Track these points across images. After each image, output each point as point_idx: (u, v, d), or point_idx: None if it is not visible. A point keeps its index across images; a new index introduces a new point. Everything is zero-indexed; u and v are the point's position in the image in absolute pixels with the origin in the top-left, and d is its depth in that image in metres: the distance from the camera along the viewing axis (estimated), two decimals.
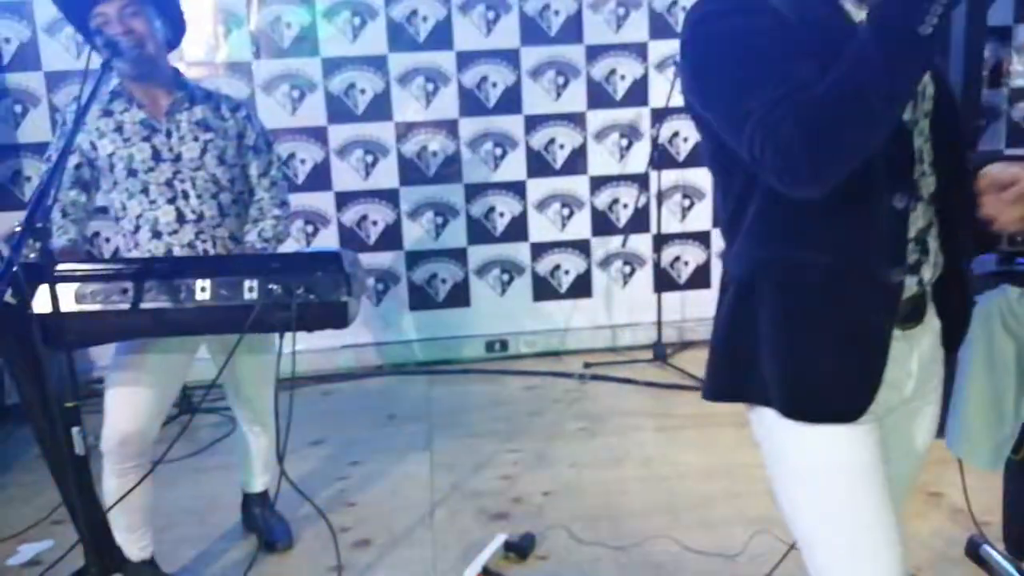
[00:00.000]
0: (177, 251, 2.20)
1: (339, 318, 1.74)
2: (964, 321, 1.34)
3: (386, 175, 4.20)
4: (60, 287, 1.64)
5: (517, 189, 4.29)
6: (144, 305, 1.68)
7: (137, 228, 2.22)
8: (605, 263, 4.39)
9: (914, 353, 1.26)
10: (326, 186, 4.17)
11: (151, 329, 1.76)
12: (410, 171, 4.21)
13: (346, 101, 4.11)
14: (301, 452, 3.28)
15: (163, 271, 1.70)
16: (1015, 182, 1.16)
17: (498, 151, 4.24)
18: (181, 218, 2.20)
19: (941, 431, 2.19)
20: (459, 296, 4.36)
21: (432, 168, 4.22)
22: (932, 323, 1.30)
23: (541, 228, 4.33)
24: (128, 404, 2.12)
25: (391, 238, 4.27)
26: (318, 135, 4.12)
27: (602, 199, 4.33)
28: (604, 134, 4.27)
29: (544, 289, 4.39)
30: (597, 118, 4.24)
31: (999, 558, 2.17)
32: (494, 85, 4.17)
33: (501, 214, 4.30)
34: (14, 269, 1.48)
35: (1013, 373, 1.85)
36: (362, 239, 4.25)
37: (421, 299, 4.34)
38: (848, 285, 1.17)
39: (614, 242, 4.32)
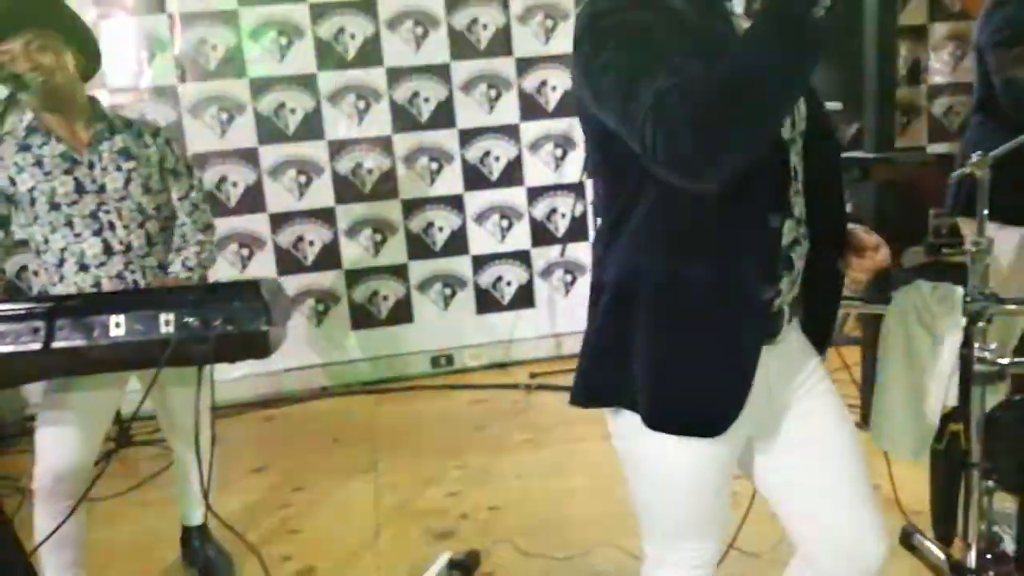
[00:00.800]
0: (106, 283, 2.16)
1: (260, 348, 1.71)
2: (828, 330, 1.41)
3: (321, 194, 4.16)
4: None
5: (455, 203, 4.28)
6: (56, 344, 1.63)
7: (62, 262, 2.16)
8: (546, 273, 4.41)
9: (771, 367, 1.29)
10: (260, 208, 4.12)
11: (66, 368, 1.71)
12: (345, 189, 4.18)
13: (276, 121, 4.06)
14: (243, 481, 3.23)
15: (75, 308, 1.65)
16: (875, 249, 1.27)
17: (434, 166, 4.23)
18: (108, 250, 2.15)
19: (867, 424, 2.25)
20: (402, 313, 4.33)
21: (368, 185, 4.20)
22: (790, 335, 1.33)
23: (481, 241, 4.33)
24: (59, 442, 2.07)
25: (329, 257, 4.23)
26: (249, 156, 4.07)
27: (540, 209, 4.35)
28: (538, 145, 4.29)
29: (487, 301, 4.39)
30: (531, 129, 4.27)
31: (930, 545, 2.23)
32: (426, 100, 4.17)
33: (440, 228, 4.30)
34: None
35: (930, 366, 1.90)
36: (299, 260, 4.20)
37: (363, 317, 4.31)
38: (722, 299, 1.20)
39: (554, 251, 4.34)
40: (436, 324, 4.36)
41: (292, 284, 4.20)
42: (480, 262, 4.35)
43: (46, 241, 2.17)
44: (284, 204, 4.14)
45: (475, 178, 4.27)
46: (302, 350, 4.22)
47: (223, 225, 3.93)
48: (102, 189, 2.14)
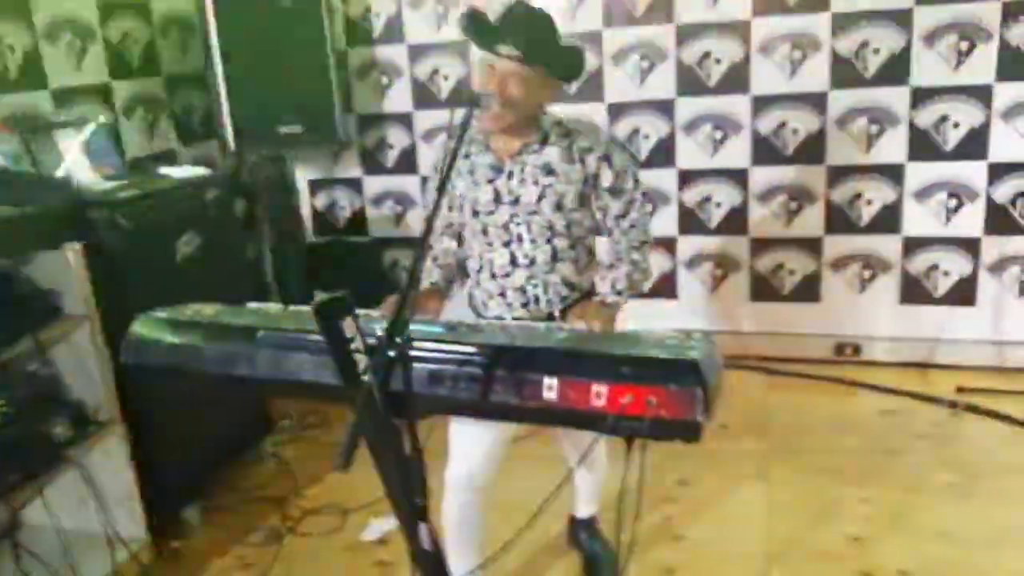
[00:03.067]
0: (510, 294, 2.14)
1: (690, 436, 1.52)
2: None
3: (736, 153, 3.82)
4: (416, 366, 1.62)
5: (893, 174, 3.67)
6: (491, 398, 1.61)
7: (480, 268, 2.19)
8: (998, 267, 3.64)
9: None
10: (669, 163, 3.91)
11: (496, 416, 1.69)
12: (764, 150, 3.78)
13: (699, 72, 3.75)
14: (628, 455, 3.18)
15: (512, 363, 1.60)
16: None
17: (874, 129, 3.63)
18: (514, 261, 2.12)
19: None
20: (808, 290, 3.91)
21: (790, 147, 3.75)
22: None
23: (918, 220, 3.68)
24: (472, 441, 2.13)
25: (735, 222, 3.91)
26: (665, 109, 3.84)
27: (1005, 190, 3.55)
28: (1017, 112, 3.45)
29: (914, 291, 3.77)
30: (1009, 92, 3.43)
31: None
32: (875, 52, 3.54)
33: (869, 201, 3.73)
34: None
35: None
36: (703, 221, 3.95)
37: (764, 290, 3.97)
38: None
39: (1013, 243, 3.56)
40: (847, 308, 3.87)
41: (691, 245, 4.00)
42: (913, 245, 3.72)
43: (470, 247, 2.20)
44: (695, 161, 3.88)
45: (923, 146, 3.59)
46: (692, 314, 4.03)
47: None
48: (516, 201, 2.07)
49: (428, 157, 4.20)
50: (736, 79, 3.71)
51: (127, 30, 3.44)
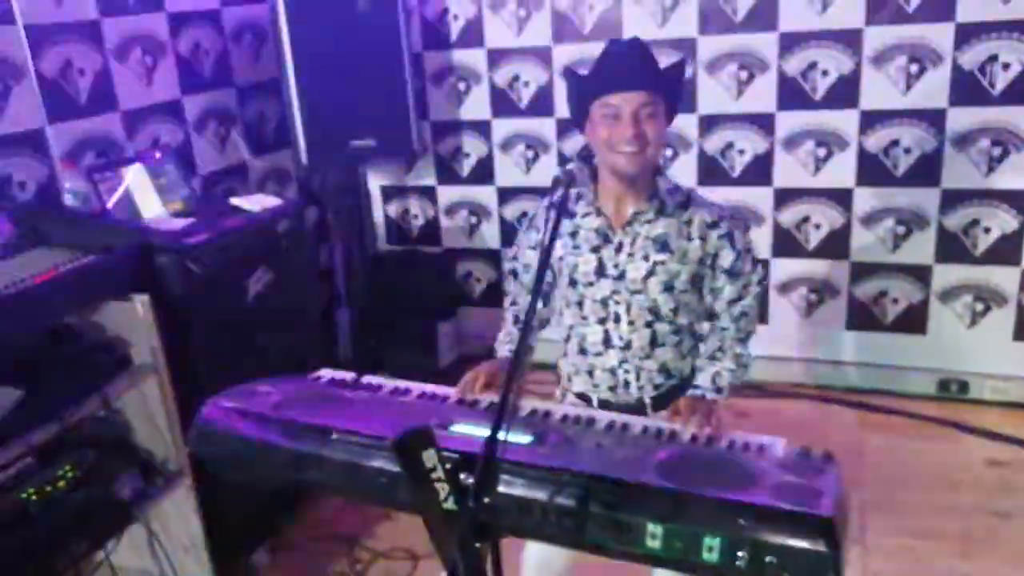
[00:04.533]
0: (598, 375, 1.96)
1: None
2: None
3: (839, 172, 3.52)
4: (502, 490, 1.46)
5: (1016, 200, 3.33)
6: (587, 536, 1.44)
7: (568, 338, 2.01)
8: None
9: None
10: (765, 181, 3.63)
11: (592, 552, 1.52)
12: (871, 169, 3.47)
13: (803, 84, 3.44)
14: None
15: (610, 500, 1.42)
16: None
17: (996, 151, 3.29)
18: (607, 342, 1.92)
19: None
20: (913, 321, 3.61)
21: (901, 167, 3.43)
22: None
23: None
24: None
25: (835, 245, 3.62)
26: (763, 123, 3.55)
27: None
28: None
29: None
30: None
31: None
32: (1004, 67, 3.18)
33: (987, 229, 3.40)
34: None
35: None
36: (800, 243, 3.67)
37: (864, 318, 3.69)
38: None
39: None
40: (955, 342, 3.57)
41: (786, 268, 3.73)
42: None
43: (560, 313, 2.02)
44: (794, 179, 3.59)
45: None
46: (782, 339, 3.78)
47: (727, 194, 3.55)
48: (621, 276, 1.86)
49: (505, 168, 4.00)
50: (844, 92, 3.40)
51: (198, 41, 3.31)
